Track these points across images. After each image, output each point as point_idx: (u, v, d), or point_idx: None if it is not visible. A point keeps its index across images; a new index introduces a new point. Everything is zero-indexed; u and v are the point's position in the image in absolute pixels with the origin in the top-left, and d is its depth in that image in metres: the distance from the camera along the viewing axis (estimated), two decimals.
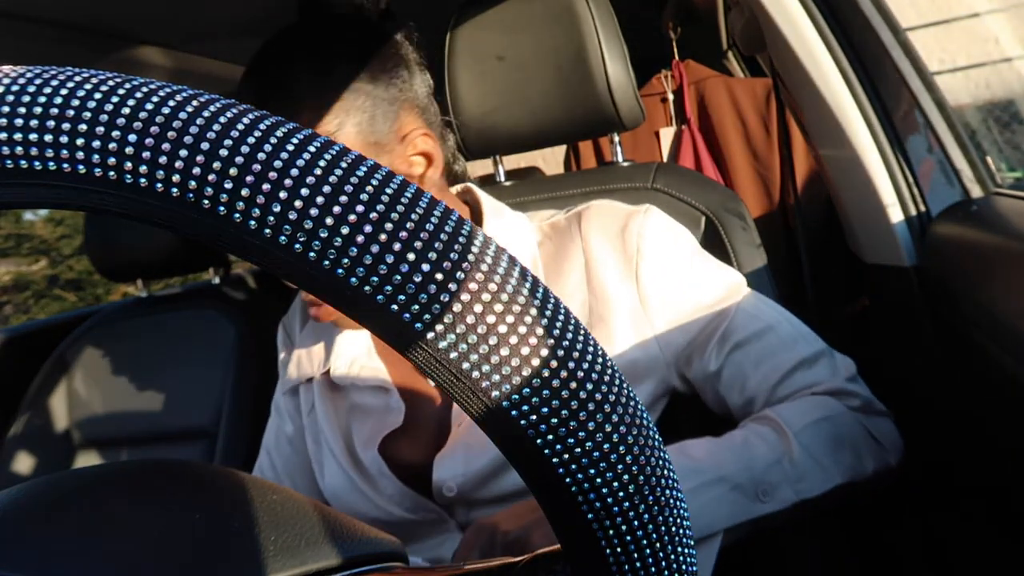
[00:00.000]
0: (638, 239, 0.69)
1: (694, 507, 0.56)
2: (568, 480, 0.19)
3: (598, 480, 0.19)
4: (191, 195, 0.17)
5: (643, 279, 0.69)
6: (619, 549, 0.20)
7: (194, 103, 0.18)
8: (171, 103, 0.18)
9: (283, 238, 0.17)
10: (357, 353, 0.76)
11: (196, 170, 0.17)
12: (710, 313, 0.69)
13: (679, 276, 0.70)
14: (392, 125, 0.65)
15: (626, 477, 0.19)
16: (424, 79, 0.72)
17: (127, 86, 0.18)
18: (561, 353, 0.18)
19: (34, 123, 0.17)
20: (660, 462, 0.20)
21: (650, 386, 0.70)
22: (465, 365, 0.18)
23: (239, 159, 0.17)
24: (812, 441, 0.61)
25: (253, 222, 0.17)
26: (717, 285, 0.70)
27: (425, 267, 0.17)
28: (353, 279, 0.17)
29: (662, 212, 0.73)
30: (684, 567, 0.21)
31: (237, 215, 0.17)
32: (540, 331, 0.18)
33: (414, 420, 0.72)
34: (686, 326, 0.69)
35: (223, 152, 0.17)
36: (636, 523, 0.20)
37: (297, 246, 0.17)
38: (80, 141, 0.17)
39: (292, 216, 0.17)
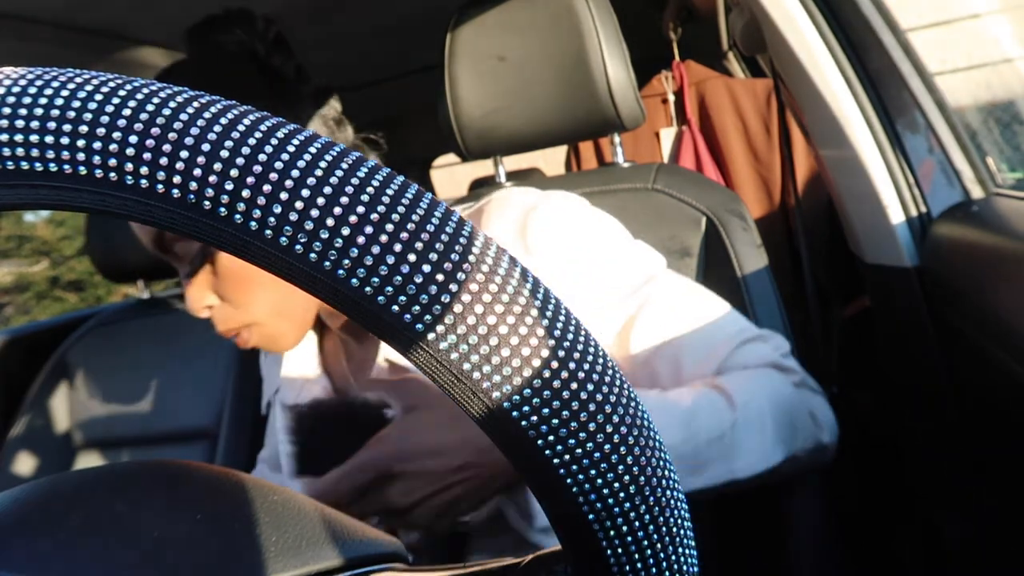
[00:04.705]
0: (535, 238, 0.65)
1: None
2: (569, 481, 0.19)
3: (599, 481, 0.19)
4: (192, 196, 0.17)
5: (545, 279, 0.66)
6: (620, 550, 0.20)
7: (195, 104, 0.18)
8: (172, 104, 0.18)
9: (284, 239, 0.17)
10: (306, 373, 0.75)
11: (197, 171, 0.17)
12: (626, 300, 0.66)
13: (581, 270, 0.66)
14: None
15: (627, 478, 0.19)
16: (321, 114, 0.69)
17: (128, 87, 0.18)
18: (562, 354, 0.18)
19: (35, 124, 0.17)
20: (661, 463, 0.20)
21: None
22: (466, 366, 0.18)
23: (240, 160, 0.17)
24: (757, 417, 0.59)
25: (254, 223, 0.17)
26: (631, 272, 0.67)
27: (426, 268, 0.17)
28: (354, 280, 0.17)
29: (565, 201, 0.68)
30: (685, 568, 0.21)
31: (238, 216, 0.17)
32: (541, 332, 0.18)
33: None
34: (596, 322, 0.66)
35: (224, 153, 0.17)
36: (637, 524, 0.20)
37: (298, 247, 0.17)
38: (81, 142, 0.17)
39: (293, 217, 0.17)
